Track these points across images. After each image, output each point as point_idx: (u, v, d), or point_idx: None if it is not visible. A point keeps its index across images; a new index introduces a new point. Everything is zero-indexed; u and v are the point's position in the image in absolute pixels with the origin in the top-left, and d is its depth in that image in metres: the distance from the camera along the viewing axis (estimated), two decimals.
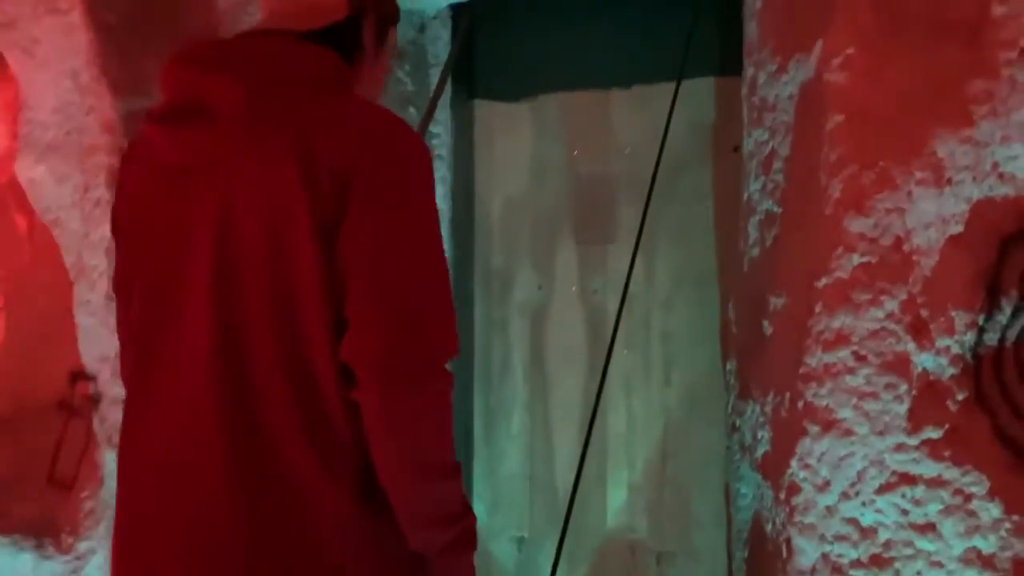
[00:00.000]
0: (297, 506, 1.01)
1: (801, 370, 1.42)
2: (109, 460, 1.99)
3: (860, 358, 1.38)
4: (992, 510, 1.35)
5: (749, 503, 1.72)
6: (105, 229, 2.01)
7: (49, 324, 2.24)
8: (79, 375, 2.18)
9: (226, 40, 1.16)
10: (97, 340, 2.06)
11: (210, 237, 1.05)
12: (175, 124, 1.10)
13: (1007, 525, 1.35)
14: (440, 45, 2.59)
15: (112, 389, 1.97)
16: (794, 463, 1.42)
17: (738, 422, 1.78)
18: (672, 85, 2.10)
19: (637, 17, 2.48)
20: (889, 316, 1.37)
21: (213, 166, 1.06)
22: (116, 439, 2.01)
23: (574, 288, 2.58)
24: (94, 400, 2.11)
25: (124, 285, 1.18)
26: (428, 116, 2.53)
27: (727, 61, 2.25)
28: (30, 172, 2.26)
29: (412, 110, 2.57)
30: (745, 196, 1.81)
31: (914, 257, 1.37)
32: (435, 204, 1.10)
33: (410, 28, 2.54)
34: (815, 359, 1.40)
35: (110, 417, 1.98)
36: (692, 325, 2.43)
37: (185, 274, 1.07)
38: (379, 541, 1.05)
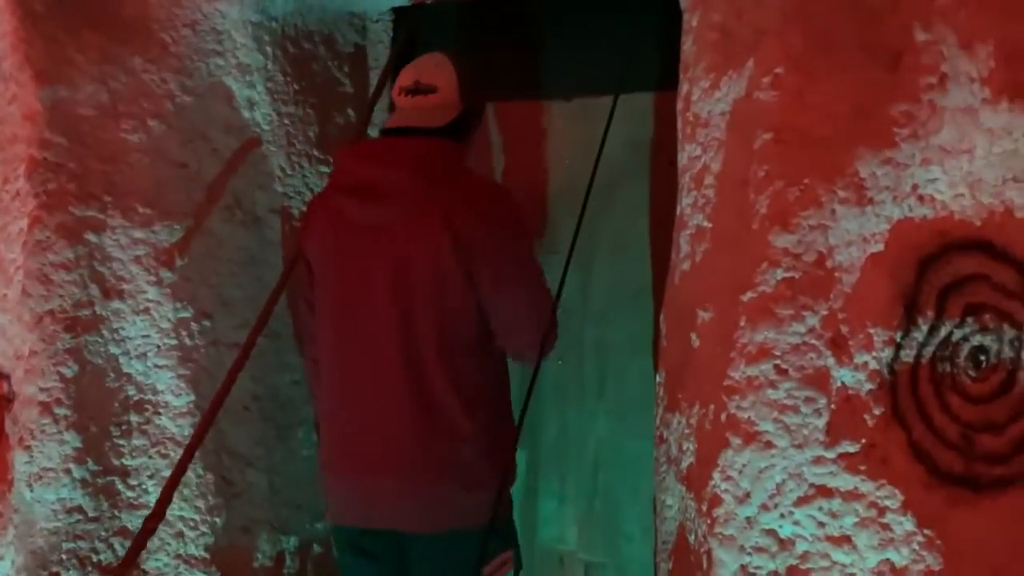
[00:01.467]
0: (447, 427, 1.78)
1: (725, 383, 1.44)
2: (20, 462, 1.91)
3: (781, 372, 1.40)
4: (905, 524, 1.38)
5: (674, 514, 1.73)
6: (23, 222, 1.95)
7: None
8: None
9: (390, 140, 1.86)
10: (11, 338, 1.98)
11: (388, 271, 1.77)
12: (362, 197, 1.80)
13: (919, 538, 1.38)
14: (380, 48, 2.58)
15: (25, 388, 1.90)
16: (716, 475, 1.43)
17: (665, 434, 1.79)
18: (611, 99, 2.13)
19: (578, 31, 2.50)
20: (810, 331, 1.39)
21: (390, 227, 1.77)
22: (28, 440, 1.94)
23: None
24: (7, 399, 2.03)
25: (317, 292, 1.88)
26: (366, 118, 2.51)
27: (665, 76, 2.28)
28: None
29: (350, 111, 2.54)
30: (678, 210, 1.83)
31: (836, 274, 1.40)
32: (528, 238, 1.92)
33: (351, 31, 2.52)
34: (738, 372, 1.42)
35: (22, 418, 1.91)
36: (627, 338, 2.45)
37: (373, 291, 1.78)
38: (490, 448, 1.81)
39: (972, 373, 1.45)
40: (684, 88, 1.80)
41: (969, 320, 1.44)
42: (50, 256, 1.90)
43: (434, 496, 1.77)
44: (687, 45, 1.80)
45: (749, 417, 1.41)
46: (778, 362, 1.40)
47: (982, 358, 1.46)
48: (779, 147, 1.41)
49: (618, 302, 2.46)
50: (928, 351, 1.43)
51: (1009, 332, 1.44)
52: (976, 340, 1.45)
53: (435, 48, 2.52)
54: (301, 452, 2.32)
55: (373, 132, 2.59)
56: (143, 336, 2.01)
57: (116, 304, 1.97)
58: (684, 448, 1.62)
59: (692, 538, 1.58)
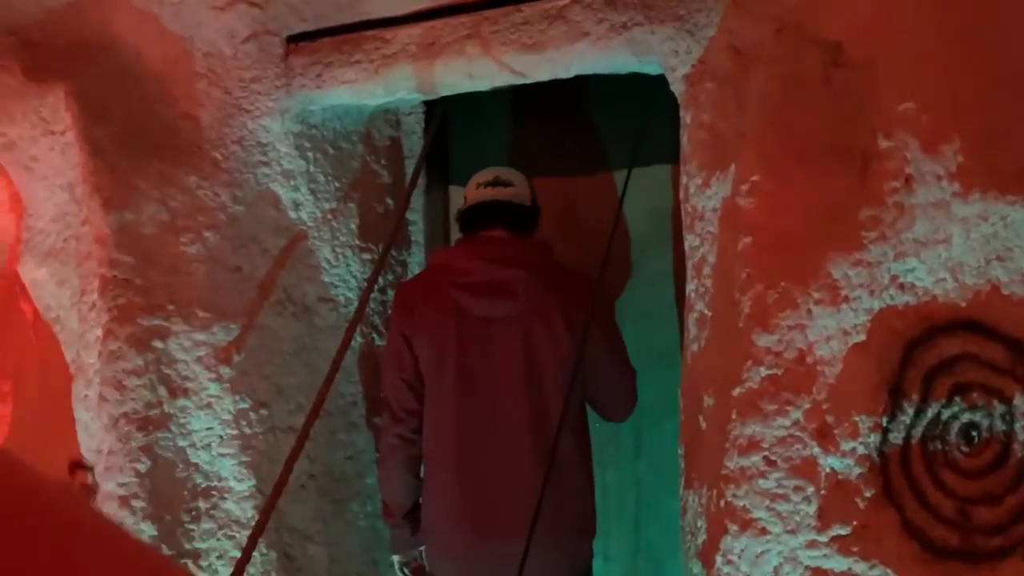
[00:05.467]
0: (573, 483, 2.13)
1: (722, 471, 1.54)
2: None
3: (771, 463, 1.49)
4: None
5: None
6: (98, 331, 2.18)
7: (51, 411, 2.39)
8: (78, 465, 2.32)
9: (495, 242, 2.23)
10: (93, 434, 2.20)
11: (519, 351, 2.13)
12: (486, 294, 2.16)
13: None
14: (414, 139, 2.76)
15: (105, 484, 2.11)
16: (719, 558, 1.53)
17: (686, 507, 1.89)
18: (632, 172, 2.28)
19: (601, 111, 2.64)
20: (795, 424, 1.48)
21: (515, 316, 2.15)
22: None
23: None
24: (91, 490, 2.25)
25: (429, 372, 2.19)
26: (404, 204, 2.69)
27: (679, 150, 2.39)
28: (33, 274, 2.42)
29: (389, 200, 2.73)
30: (687, 291, 1.94)
31: (818, 367, 1.49)
32: (614, 316, 2.34)
33: (386, 126, 2.70)
34: (732, 462, 1.52)
35: (103, 511, 2.12)
36: (658, 399, 2.54)
37: (503, 370, 2.14)
38: (591, 478, 2.24)
39: (965, 449, 1.52)
40: (683, 180, 1.92)
41: (957, 399, 1.51)
42: (122, 364, 2.12)
43: (566, 547, 2.07)
44: (684, 140, 1.92)
45: (744, 505, 1.51)
46: (767, 454, 1.50)
47: (974, 434, 1.53)
48: (758, 251, 1.52)
49: (648, 365, 2.56)
50: (917, 432, 1.51)
51: (999, 407, 1.51)
52: (966, 417, 1.52)
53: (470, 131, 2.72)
54: (357, 523, 2.49)
55: (411, 216, 2.77)
56: (207, 428, 2.21)
57: (182, 402, 2.18)
58: (699, 525, 1.72)
59: None
